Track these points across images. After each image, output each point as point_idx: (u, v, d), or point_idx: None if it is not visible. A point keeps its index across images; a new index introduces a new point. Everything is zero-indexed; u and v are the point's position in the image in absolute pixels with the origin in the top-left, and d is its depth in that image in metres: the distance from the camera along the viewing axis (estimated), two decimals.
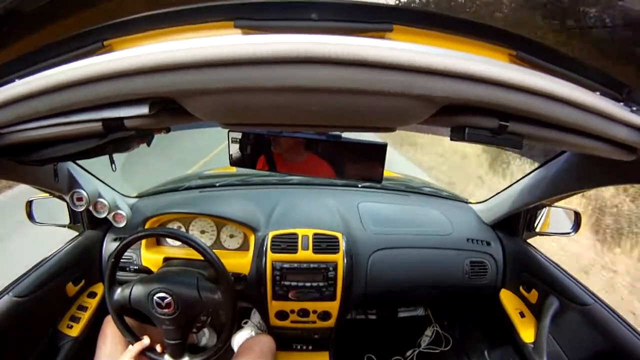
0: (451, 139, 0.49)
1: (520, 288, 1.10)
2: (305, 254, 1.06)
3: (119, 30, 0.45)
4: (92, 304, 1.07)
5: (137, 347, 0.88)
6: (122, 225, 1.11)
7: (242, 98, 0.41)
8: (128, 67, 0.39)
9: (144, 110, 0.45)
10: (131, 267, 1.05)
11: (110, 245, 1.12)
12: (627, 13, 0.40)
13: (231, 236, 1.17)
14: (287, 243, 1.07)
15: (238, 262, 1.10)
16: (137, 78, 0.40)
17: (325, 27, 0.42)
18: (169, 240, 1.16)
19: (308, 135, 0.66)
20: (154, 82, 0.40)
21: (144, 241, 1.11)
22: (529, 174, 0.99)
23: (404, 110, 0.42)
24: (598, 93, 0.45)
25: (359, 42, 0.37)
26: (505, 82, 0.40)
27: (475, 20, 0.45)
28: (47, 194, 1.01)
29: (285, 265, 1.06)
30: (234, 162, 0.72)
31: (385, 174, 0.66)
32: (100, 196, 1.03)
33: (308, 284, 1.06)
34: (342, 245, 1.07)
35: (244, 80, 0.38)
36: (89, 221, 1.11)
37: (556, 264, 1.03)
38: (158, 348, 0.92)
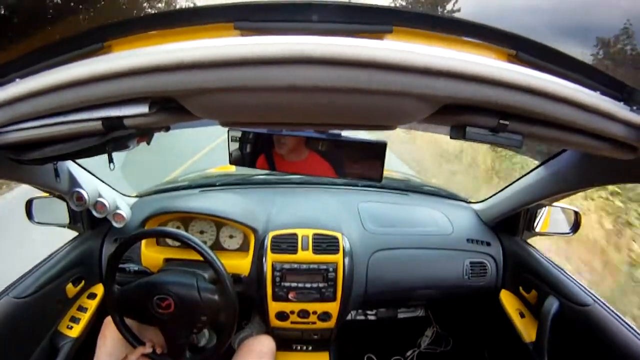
0: (451, 138, 0.49)
1: (520, 288, 1.10)
2: (305, 255, 1.06)
3: (119, 31, 0.45)
4: (92, 305, 1.06)
5: (139, 350, 0.88)
6: (121, 225, 1.10)
7: (242, 98, 0.41)
8: (128, 67, 0.39)
9: (143, 109, 0.45)
10: (131, 267, 1.05)
11: (110, 246, 1.12)
12: None
13: (231, 237, 1.17)
14: (287, 243, 1.07)
15: (238, 263, 1.10)
16: (136, 78, 0.40)
17: (325, 28, 0.42)
18: (168, 240, 1.16)
19: (308, 133, 0.66)
20: (154, 82, 0.40)
21: (143, 241, 1.11)
22: (529, 173, 0.99)
23: (404, 109, 0.43)
24: (598, 92, 0.45)
25: (359, 43, 0.37)
26: (505, 81, 0.40)
27: (475, 22, 0.45)
28: (47, 194, 1.01)
29: (285, 266, 1.05)
30: (233, 161, 0.72)
31: (385, 172, 0.66)
32: (100, 196, 1.03)
33: (308, 285, 1.06)
34: (342, 245, 1.07)
35: (243, 80, 0.39)
36: (88, 221, 1.11)
37: (556, 264, 1.03)
38: (158, 349, 0.92)
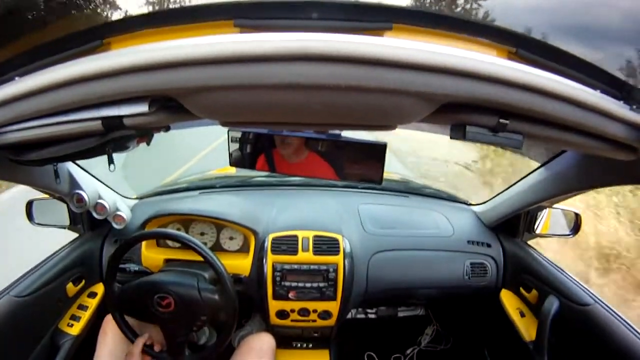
0: (451, 138, 0.49)
1: (521, 288, 1.10)
2: (305, 256, 1.06)
3: (119, 28, 0.45)
4: (93, 303, 1.06)
5: (140, 341, 0.89)
6: (122, 226, 1.10)
7: (242, 96, 0.41)
8: (127, 64, 0.39)
9: (143, 108, 0.45)
10: (131, 267, 1.05)
11: (110, 247, 1.12)
12: None
13: (231, 238, 1.17)
14: (287, 245, 1.07)
15: (238, 264, 1.10)
16: (136, 76, 0.40)
17: (324, 25, 0.42)
18: (169, 241, 1.16)
19: (307, 134, 0.66)
20: (153, 80, 0.40)
21: (144, 242, 1.11)
22: (529, 174, 0.99)
23: (404, 107, 0.42)
24: (598, 91, 0.45)
25: (358, 40, 0.37)
26: (505, 79, 0.40)
27: (475, 19, 0.45)
28: (47, 195, 1.01)
29: (286, 267, 1.05)
30: (233, 162, 0.72)
31: (385, 175, 0.65)
32: (100, 197, 1.03)
33: (308, 285, 1.06)
34: (342, 247, 1.07)
35: (243, 78, 0.39)
36: (89, 222, 1.11)
37: (556, 264, 1.03)
38: (157, 347, 0.92)
